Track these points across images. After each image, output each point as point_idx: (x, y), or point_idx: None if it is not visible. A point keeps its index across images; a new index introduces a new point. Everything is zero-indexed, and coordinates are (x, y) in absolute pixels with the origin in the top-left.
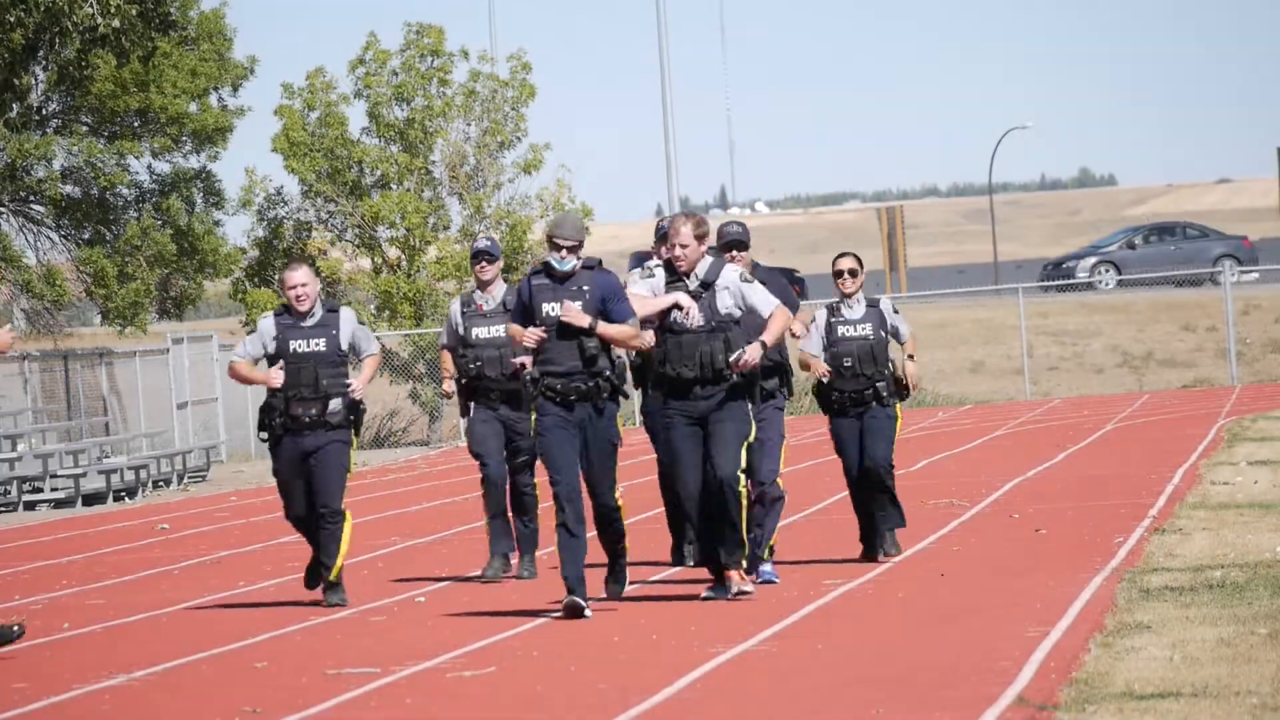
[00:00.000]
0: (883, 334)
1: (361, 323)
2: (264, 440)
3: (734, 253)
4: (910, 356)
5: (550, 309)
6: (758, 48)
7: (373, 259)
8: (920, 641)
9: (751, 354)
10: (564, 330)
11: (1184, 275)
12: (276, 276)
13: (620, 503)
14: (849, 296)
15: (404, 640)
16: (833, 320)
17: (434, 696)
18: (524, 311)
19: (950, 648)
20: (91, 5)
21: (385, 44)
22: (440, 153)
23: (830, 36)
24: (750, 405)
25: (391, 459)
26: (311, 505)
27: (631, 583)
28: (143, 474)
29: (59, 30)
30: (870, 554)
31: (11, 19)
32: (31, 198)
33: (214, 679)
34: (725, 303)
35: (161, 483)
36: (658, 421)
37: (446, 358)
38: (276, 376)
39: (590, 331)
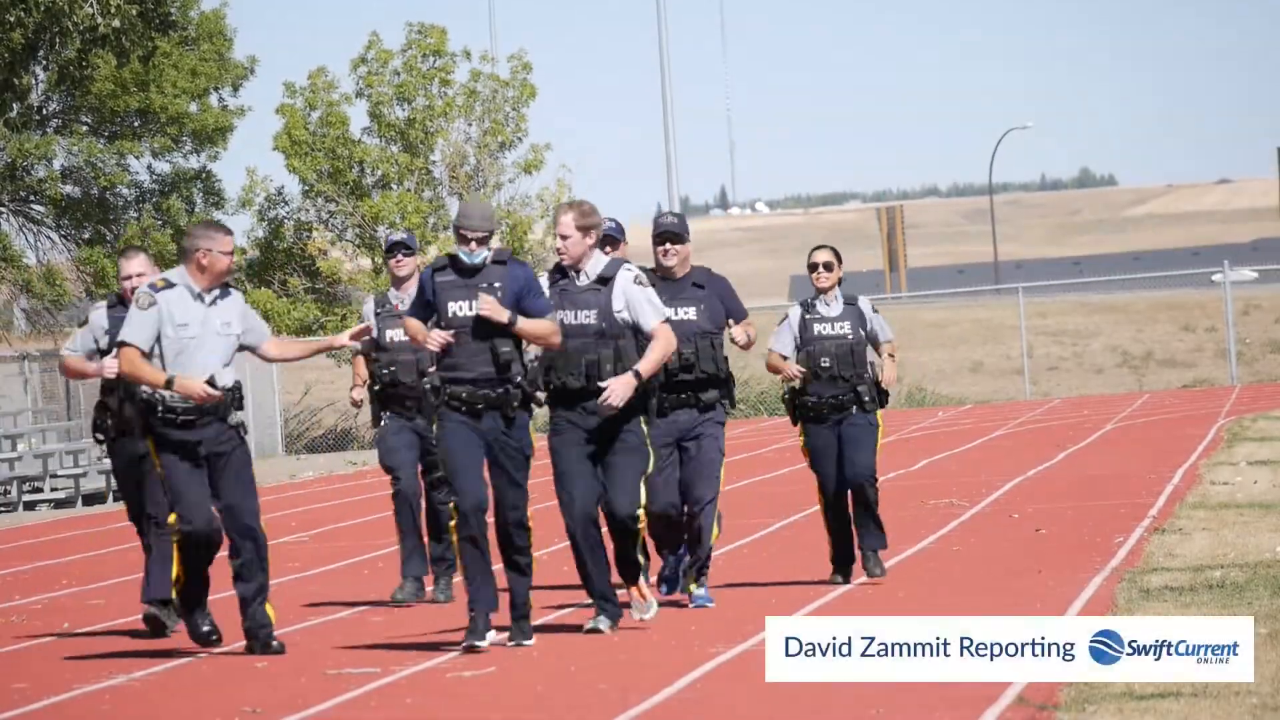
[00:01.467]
0: (861, 333)
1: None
2: (99, 441)
3: (667, 245)
4: (890, 356)
5: (458, 309)
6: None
7: (373, 259)
8: None
9: (616, 391)
10: (476, 331)
11: (1184, 275)
12: (277, 277)
13: (530, 523)
14: (825, 292)
15: (404, 640)
16: (808, 318)
17: (434, 696)
18: (425, 308)
19: None
20: (91, 5)
21: (387, 44)
22: (441, 153)
23: (830, 36)
24: (646, 425)
25: None
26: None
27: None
28: None
29: (59, 30)
30: (843, 575)
31: (11, 19)
32: (31, 198)
33: (214, 679)
34: (619, 305)
35: None
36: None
37: (359, 363)
38: (110, 366)
39: (509, 328)
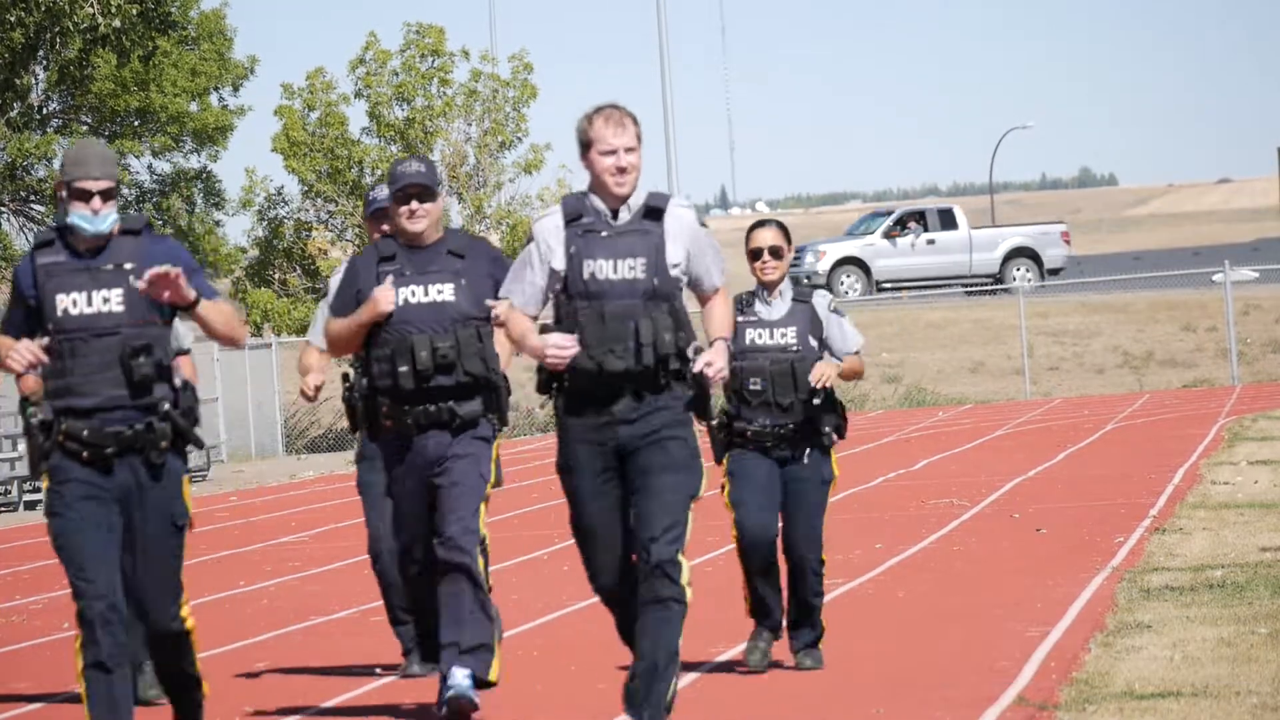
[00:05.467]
0: (812, 343)
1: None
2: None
3: (413, 204)
4: (856, 352)
5: (71, 304)
6: (758, 47)
7: None
8: (920, 641)
9: (717, 362)
10: (98, 340)
11: (1184, 275)
12: (278, 276)
13: (190, 624)
14: (769, 287)
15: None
16: (741, 320)
17: (433, 697)
18: (25, 312)
19: (950, 648)
20: (92, 5)
21: (386, 44)
22: (440, 153)
23: (831, 36)
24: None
25: None
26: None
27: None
28: None
29: (59, 30)
30: (770, 630)
31: (12, 19)
32: (31, 197)
33: (214, 679)
34: (676, 254)
35: None
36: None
37: (313, 355)
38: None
39: (189, 307)
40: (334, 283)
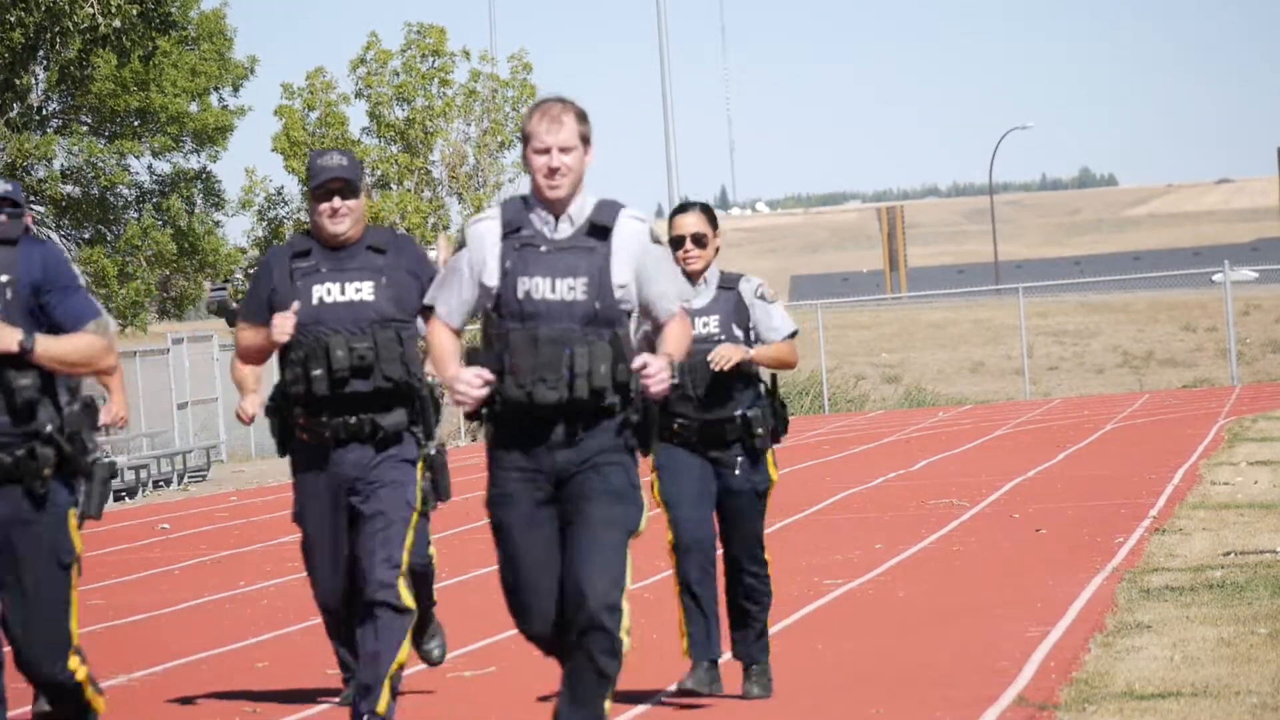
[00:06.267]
0: (737, 333)
1: None
2: None
3: (336, 201)
4: (790, 338)
5: None
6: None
7: None
8: (920, 641)
9: (658, 371)
10: None
11: (1184, 275)
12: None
13: (80, 675)
14: (693, 277)
15: None
16: None
17: (434, 696)
18: None
19: (950, 648)
20: (92, 5)
21: (386, 44)
22: (440, 153)
23: (831, 36)
24: (637, 458)
25: None
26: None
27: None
28: (143, 474)
29: (59, 30)
30: (709, 669)
31: (12, 19)
32: (31, 198)
33: (214, 679)
34: (622, 274)
35: (161, 483)
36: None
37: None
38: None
39: (25, 356)
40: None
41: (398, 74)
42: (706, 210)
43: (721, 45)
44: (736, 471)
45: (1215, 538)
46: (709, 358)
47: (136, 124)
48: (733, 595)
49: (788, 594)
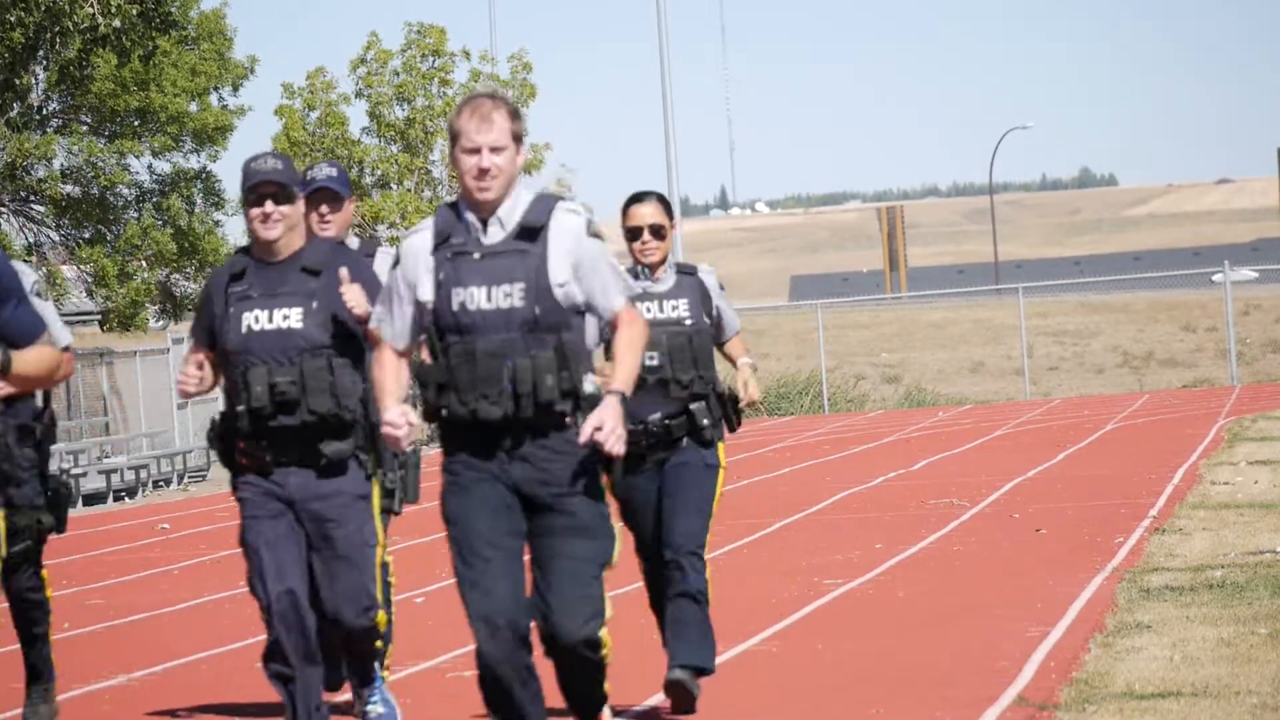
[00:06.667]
0: (704, 319)
1: None
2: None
3: (268, 205)
4: (748, 364)
5: None
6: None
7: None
8: (920, 641)
9: (611, 428)
10: None
11: (1184, 275)
12: None
13: None
14: (651, 269)
15: (404, 640)
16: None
17: (433, 696)
18: None
19: (950, 648)
20: (92, 5)
21: (386, 44)
22: (441, 153)
23: (831, 36)
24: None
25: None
26: None
27: None
28: (143, 474)
29: (59, 30)
30: (679, 688)
31: (12, 19)
32: (31, 198)
33: (214, 679)
34: (561, 273)
35: (161, 483)
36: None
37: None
38: None
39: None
40: None
41: (398, 74)
42: (663, 201)
43: (721, 45)
44: (683, 445)
45: (1215, 538)
46: (743, 404)
47: (136, 124)
48: (675, 591)
49: (788, 594)
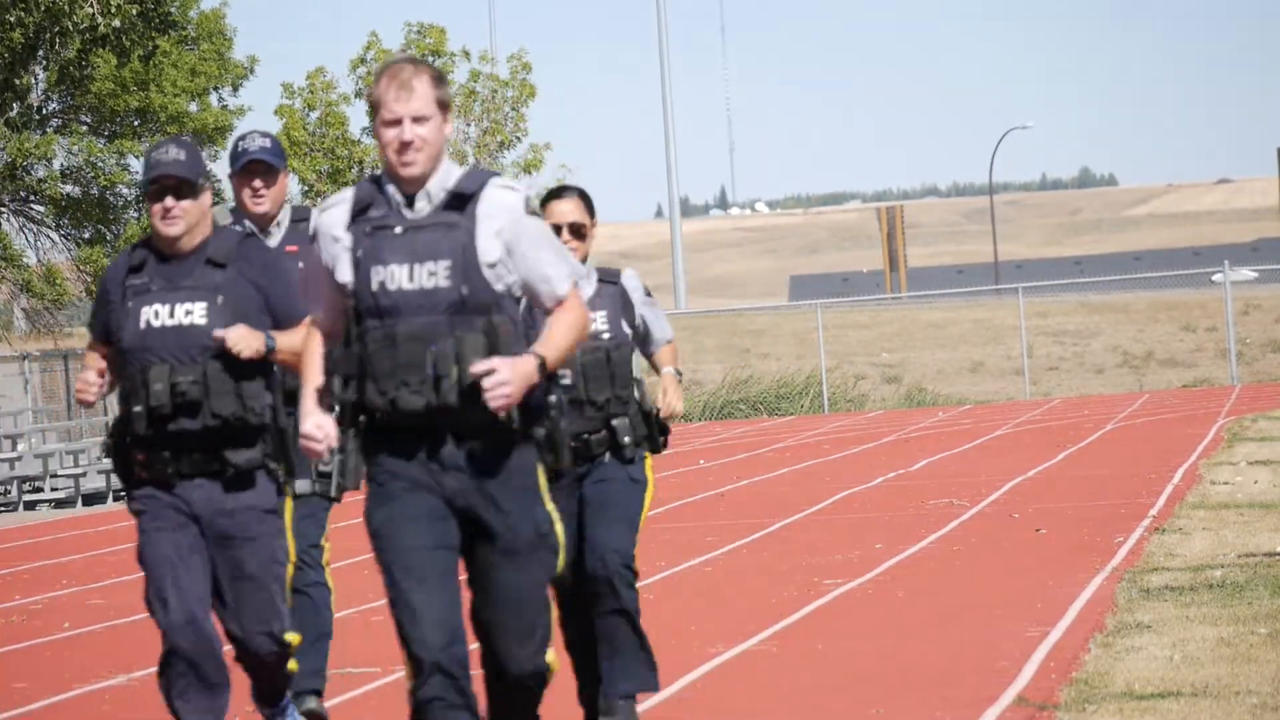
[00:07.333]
0: (625, 330)
1: None
2: None
3: (169, 200)
4: (673, 371)
5: None
6: (758, 48)
7: None
8: (920, 641)
9: (505, 377)
10: None
11: (1184, 275)
12: None
13: None
14: None
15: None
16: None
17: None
18: None
19: (950, 648)
20: (92, 5)
21: (386, 44)
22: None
23: (831, 37)
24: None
25: None
26: None
27: None
28: None
29: (59, 30)
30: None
31: (11, 19)
32: (31, 197)
33: None
34: (491, 250)
35: None
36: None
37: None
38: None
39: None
40: None
41: None
42: (584, 196)
43: (721, 45)
44: (605, 461)
45: (1215, 538)
46: (662, 415)
47: (136, 124)
48: (603, 610)
49: (788, 594)
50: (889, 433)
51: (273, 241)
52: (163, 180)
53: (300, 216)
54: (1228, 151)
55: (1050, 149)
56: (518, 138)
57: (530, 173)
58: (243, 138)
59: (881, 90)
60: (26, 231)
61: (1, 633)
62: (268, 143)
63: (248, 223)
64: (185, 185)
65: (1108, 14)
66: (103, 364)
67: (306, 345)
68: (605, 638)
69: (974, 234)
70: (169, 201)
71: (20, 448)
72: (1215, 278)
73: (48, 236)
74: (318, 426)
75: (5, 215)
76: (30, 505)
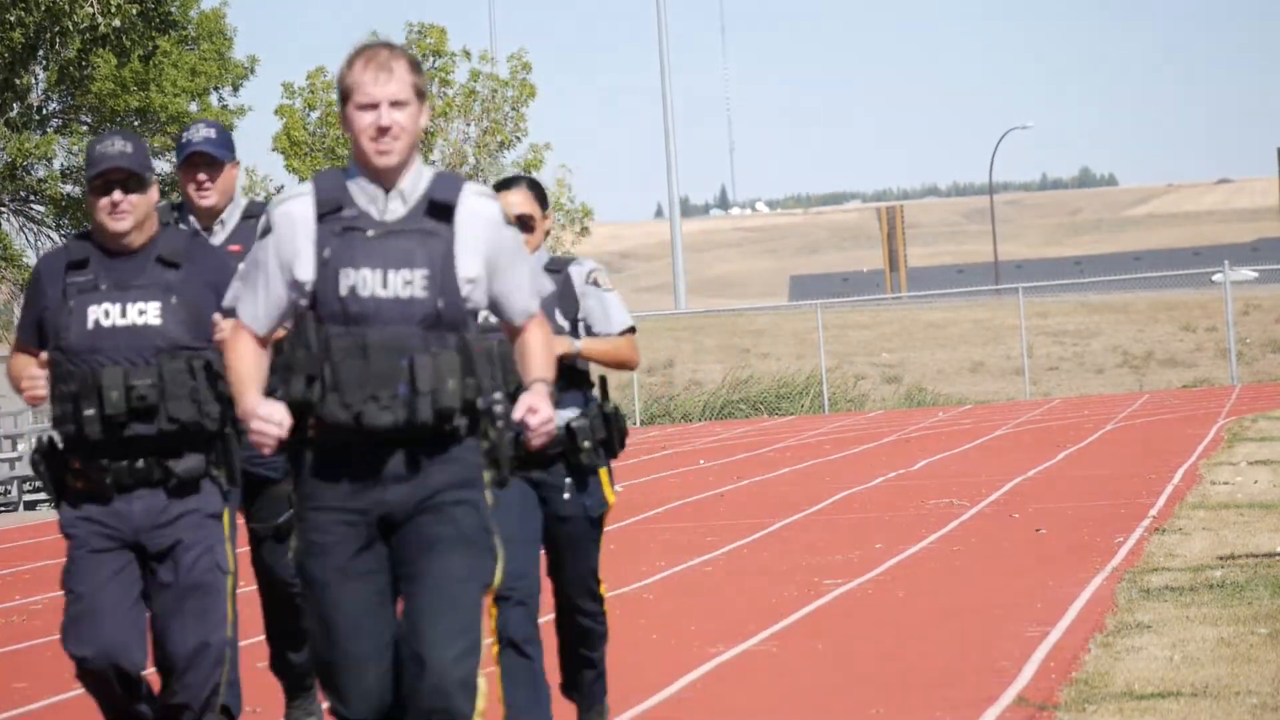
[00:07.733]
0: (563, 322)
1: None
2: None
3: (116, 194)
4: (628, 333)
5: None
6: (758, 47)
7: None
8: (920, 641)
9: (544, 415)
10: None
11: (1184, 275)
12: None
13: None
14: None
15: None
16: None
17: None
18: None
19: (950, 648)
20: (92, 5)
21: None
22: (440, 152)
23: (831, 37)
24: (491, 494)
25: None
26: None
27: None
28: None
29: (59, 30)
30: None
31: (11, 19)
32: (31, 197)
33: None
34: (471, 265)
35: None
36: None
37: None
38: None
39: None
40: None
41: None
42: (535, 187)
43: (721, 45)
44: (565, 495)
45: (1215, 538)
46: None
47: (136, 124)
48: (565, 638)
49: (788, 594)
50: (889, 433)
51: (216, 239)
52: (110, 174)
53: (253, 213)
54: (1228, 151)
55: (1050, 149)
56: (518, 138)
57: (530, 172)
58: (187, 128)
59: (881, 90)
60: (26, 231)
61: (1, 633)
62: (213, 133)
63: (192, 220)
64: (134, 179)
65: (1108, 14)
66: (43, 358)
67: (236, 343)
68: (567, 666)
69: (974, 234)
70: (117, 195)
71: (20, 448)
72: (1215, 278)
73: (48, 236)
74: (270, 414)
75: (5, 215)
76: (30, 505)
